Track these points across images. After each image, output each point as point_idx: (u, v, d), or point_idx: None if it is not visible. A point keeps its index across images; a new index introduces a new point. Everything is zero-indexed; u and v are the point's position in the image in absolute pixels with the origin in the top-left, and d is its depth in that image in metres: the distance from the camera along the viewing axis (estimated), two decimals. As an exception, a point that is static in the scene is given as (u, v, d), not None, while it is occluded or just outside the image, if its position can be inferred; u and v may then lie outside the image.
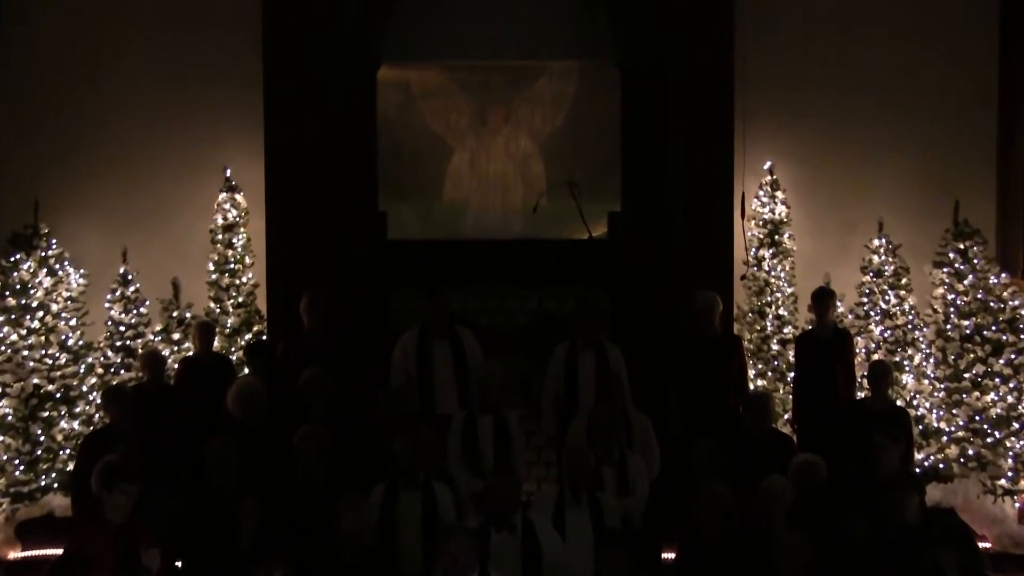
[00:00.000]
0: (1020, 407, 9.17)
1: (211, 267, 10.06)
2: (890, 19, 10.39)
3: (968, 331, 9.45)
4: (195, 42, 10.34)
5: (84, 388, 9.52)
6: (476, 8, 10.26)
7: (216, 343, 9.44)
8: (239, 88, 10.16)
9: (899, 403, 9.16)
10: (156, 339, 9.80)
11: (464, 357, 8.39)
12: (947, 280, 9.72)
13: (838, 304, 9.45)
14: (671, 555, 6.87)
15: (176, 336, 9.81)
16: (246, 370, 8.94)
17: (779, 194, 10.20)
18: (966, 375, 9.37)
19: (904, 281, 9.89)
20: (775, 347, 9.95)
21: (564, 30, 10.34)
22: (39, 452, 9.11)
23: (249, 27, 10.03)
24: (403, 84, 10.79)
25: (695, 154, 9.92)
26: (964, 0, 10.43)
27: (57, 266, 9.67)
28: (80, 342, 9.65)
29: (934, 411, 9.53)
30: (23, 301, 9.33)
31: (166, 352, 9.58)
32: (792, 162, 10.40)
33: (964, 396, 9.37)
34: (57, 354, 9.43)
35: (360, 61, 9.96)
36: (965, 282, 9.64)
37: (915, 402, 9.59)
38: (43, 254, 9.53)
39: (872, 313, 9.86)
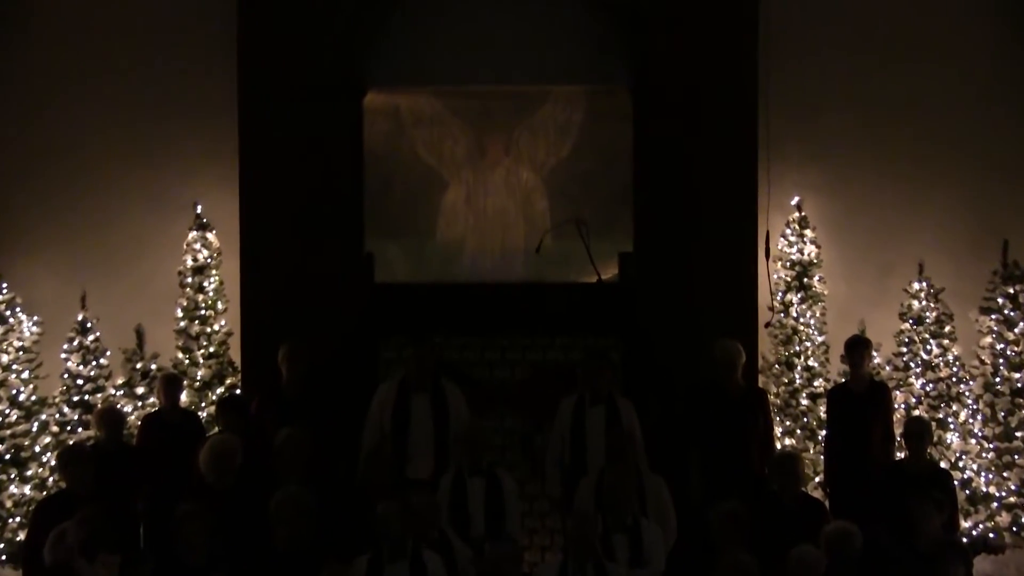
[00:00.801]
0: (1079, 470, 9.22)
1: (179, 313, 10.14)
2: (929, 42, 10.52)
3: (1020, 385, 9.50)
4: (162, 67, 10.50)
5: (37, 448, 9.56)
6: (473, 29, 10.43)
7: (184, 398, 9.49)
8: (211, 117, 10.30)
9: (942, 464, 9.19)
10: (117, 393, 9.87)
11: (446, 414, 8.33)
12: (995, 328, 9.78)
13: (874, 354, 9.51)
14: (689, 633, 6.89)
15: (139, 390, 9.89)
16: (217, 428, 8.96)
17: (808, 232, 10.31)
18: (1018, 434, 9.41)
19: (947, 329, 9.98)
20: (804, 402, 10.01)
21: (570, 52, 10.50)
22: (-14, 519, 9.15)
23: (222, 51, 10.18)
24: (392, 111, 10.92)
25: (715, 188, 10.03)
26: (1010, 22, 10.61)
27: (8, 312, 9.75)
28: (33, 397, 9.71)
29: (982, 474, 9.55)
30: (-30, 351, 9.41)
31: (128, 408, 9.65)
32: (822, 197, 10.52)
33: (1016, 457, 9.39)
34: (7, 410, 9.48)
35: (344, 86, 10.10)
36: (1016, 330, 9.70)
37: (960, 464, 9.62)
38: (-8, 299, 9.62)
39: (912, 364, 9.93)
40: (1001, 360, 9.65)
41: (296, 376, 8.92)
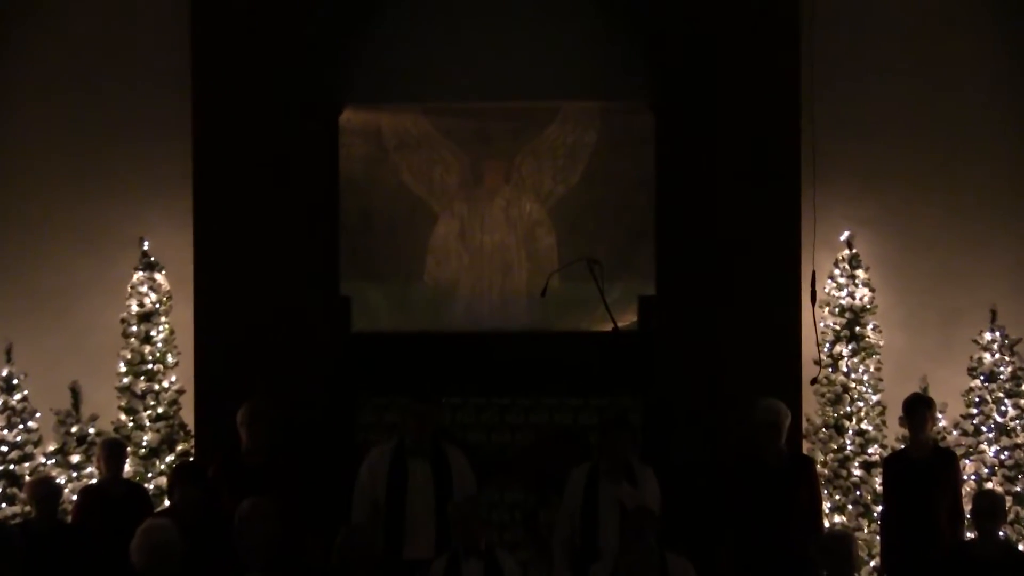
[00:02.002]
0: None
1: (122, 368, 10.18)
2: (999, 62, 10.67)
3: (1110, 453, 9.53)
4: (102, 83, 10.61)
5: (-47, 526, 9.54)
6: (469, 38, 10.59)
7: (128, 467, 9.50)
8: (159, 140, 10.43)
9: (1020, 547, 9.17)
10: (49, 463, 9.88)
11: (450, 483, 8.33)
12: (1082, 386, 9.84)
13: (939, 416, 9.55)
14: None
15: (75, 458, 9.90)
16: (167, 502, 8.97)
17: (860, 273, 10.39)
18: (1108, 511, 9.42)
19: (1025, 387, 10.06)
20: (857, 473, 10.05)
21: (581, 64, 10.63)
22: None
23: (173, 63, 10.34)
24: (373, 132, 11.01)
25: (751, 222, 10.13)
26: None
27: (-78, 367, 9.80)
28: (-51, 466, 9.74)
29: (1067, 558, 9.53)
30: None
31: (62, 479, 9.65)
32: (877, 233, 10.61)
33: (1107, 538, 9.40)
34: (-81, 482, 9.49)
35: (316, 103, 10.22)
36: (1106, 389, 9.75)
37: (1041, 546, 9.64)
38: (-98, 352, 9.66)
39: (983, 428, 9.96)
40: (1089, 424, 9.65)
41: (259, 441, 8.89)
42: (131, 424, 10.08)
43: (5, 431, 9.87)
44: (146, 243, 10.37)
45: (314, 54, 10.21)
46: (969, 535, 8.90)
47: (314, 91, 10.20)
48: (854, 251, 10.44)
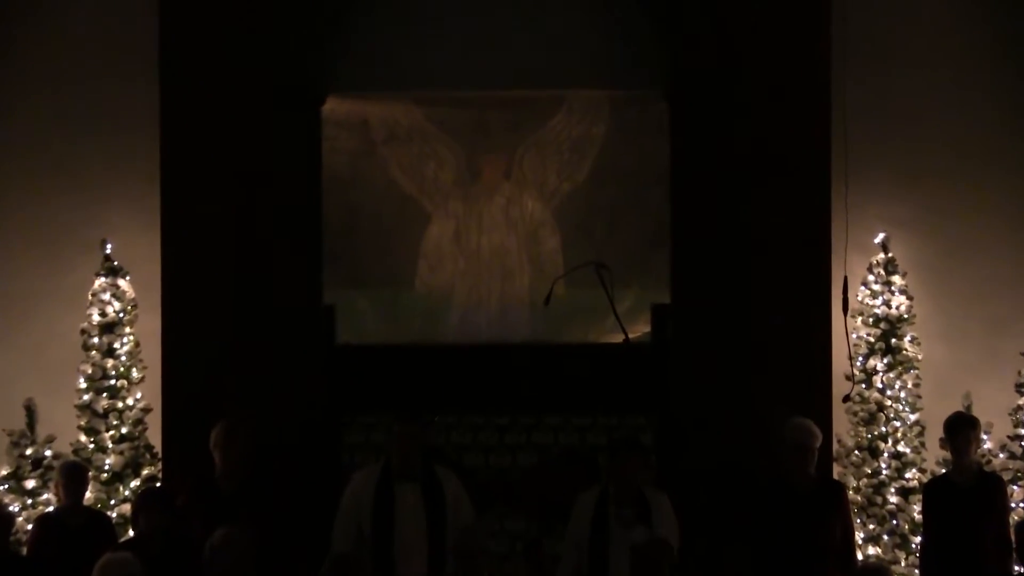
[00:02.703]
0: None
1: (82, 384, 10.17)
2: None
3: None
4: (59, 70, 10.61)
5: None
6: (464, 20, 10.64)
7: (89, 494, 9.46)
8: (124, 133, 10.46)
9: (1075, 581, 9.19)
10: (1, 488, 9.89)
11: (442, 508, 8.31)
12: None
13: (983, 437, 9.54)
14: None
15: (30, 484, 9.90)
16: (131, 532, 8.95)
17: (896, 279, 10.41)
18: None
19: (1079, 405, 10.04)
20: (893, 499, 10.05)
21: (589, 49, 10.66)
22: None
23: (137, 48, 10.37)
24: (359, 124, 11.02)
25: (776, 223, 10.17)
26: None
27: None
28: None
29: (1125, 593, 9.55)
30: None
31: (15, 507, 9.64)
32: (915, 235, 10.64)
33: None
34: None
35: (296, 92, 10.24)
36: None
37: (1097, 579, 9.64)
38: None
39: (1033, 450, 9.99)
40: None
41: (234, 464, 8.88)
42: (92, 446, 10.06)
43: (-47, 454, 9.89)
44: (109, 246, 10.35)
45: (293, 38, 10.24)
46: (1018, 568, 8.90)
47: (294, 79, 10.22)
48: (890, 255, 10.45)
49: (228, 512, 8.37)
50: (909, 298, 10.40)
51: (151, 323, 10.29)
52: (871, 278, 10.42)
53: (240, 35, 10.15)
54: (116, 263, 10.35)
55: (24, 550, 9.12)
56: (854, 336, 10.32)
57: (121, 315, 10.27)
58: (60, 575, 8.53)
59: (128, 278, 10.37)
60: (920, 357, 10.35)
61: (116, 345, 10.23)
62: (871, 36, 10.51)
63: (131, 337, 10.30)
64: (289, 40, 10.22)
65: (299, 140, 10.31)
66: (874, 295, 10.39)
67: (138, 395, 10.27)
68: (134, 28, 10.41)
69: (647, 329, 10.58)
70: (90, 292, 10.31)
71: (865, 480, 10.15)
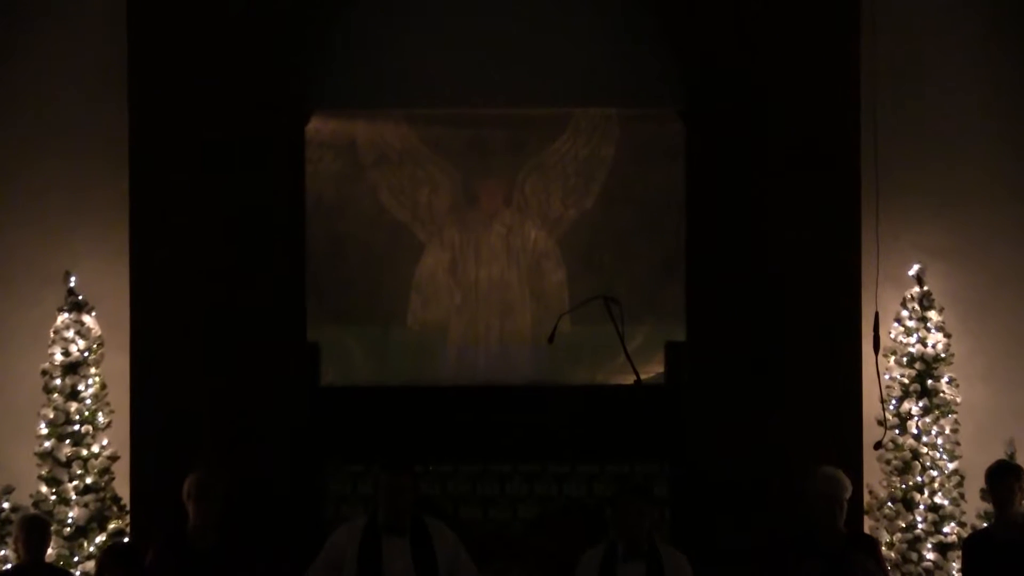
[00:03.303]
0: None
1: (43, 430, 10.14)
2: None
3: None
4: (18, 86, 10.61)
5: None
6: (461, 32, 10.64)
7: (51, 549, 9.34)
8: (89, 156, 10.46)
9: None
10: (-46, 543, 9.88)
11: (434, 567, 8.28)
12: None
13: (1029, 488, 9.59)
14: None
15: (-13, 538, 9.89)
16: (96, 591, 8.95)
17: (933, 315, 10.39)
18: None
19: None
20: (930, 556, 10.02)
21: (597, 64, 10.68)
22: None
23: (104, 62, 10.38)
24: (346, 145, 11.04)
25: (802, 253, 10.18)
26: None
27: None
28: None
29: None
30: None
31: (-30, 564, 9.66)
32: (952, 266, 10.64)
33: None
34: None
35: (278, 109, 10.22)
36: None
37: None
38: None
39: (1084, 502, 9.96)
40: None
41: (208, 518, 8.83)
42: (54, 497, 10.04)
43: (-97, 505, 9.87)
44: (73, 279, 10.34)
45: (274, 51, 10.24)
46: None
47: (274, 96, 10.22)
48: (925, 288, 10.45)
49: (201, 570, 8.40)
50: (946, 335, 10.38)
51: (118, 363, 10.27)
52: (905, 313, 10.41)
53: (215, 49, 10.16)
54: (80, 297, 10.33)
55: (-20, 612, 9.12)
56: (886, 377, 10.31)
57: (86, 354, 10.24)
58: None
59: (94, 314, 10.35)
60: (959, 400, 10.33)
61: (80, 387, 10.20)
62: (903, 53, 10.55)
63: (97, 378, 10.27)
64: (269, 54, 10.22)
65: (280, 163, 10.29)
66: (908, 332, 10.37)
67: (104, 442, 10.23)
68: (100, 45, 10.44)
69: (660, 369, 10.61)
70: (52, 329, 10.28)
71: (899, 535, 10.13)
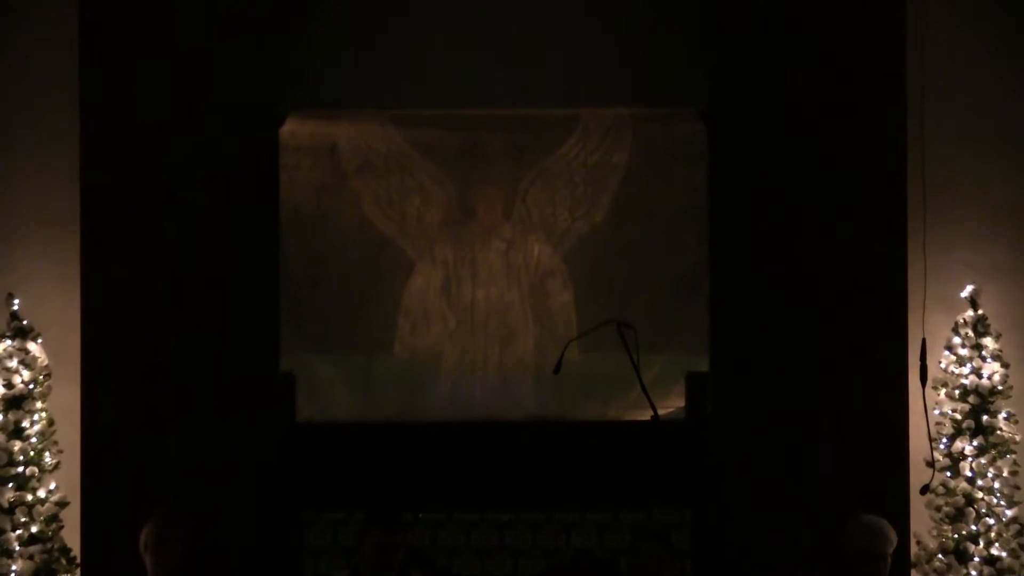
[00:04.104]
0: None
1: (-17, 472, 10.15)
2: None
3: None
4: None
5: None
6: (456, 24, 10.66)
7: (-9, 609, 9.50)
8: (35, 164, 10.42)
9: None
10: None
11: None
12: None
13: (1099, 539, 9.49)
14: None
15: (-81, 597, 9.86)
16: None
17: (988, 342, 10.31)
18: None
19: None
20: (987, 616, 9.99)
21: (608, 59, 10.70)
22: None
23: (53, 60, 10.36)
24: (326, 150, 11.07)
25: (840, 273, 10.16)
26: None
27: None
28: None
29: None
30: None
31: (-99, 624, 9.63)
32: (1010, 287, 10.58)
33: None
34: None
35: (248, 110, 10.23)
36: None
37: None
38: None
39: None
40: None
41: (169, 571, 8.84)
42: (-6, 549, 10.02)
43: None
44: (16, 302, 10.29)
45: (244, 43, 10.25)
46: None
47: (244, 94, 10.24)
48: (980, 312, 10.37)
49: (161, 633, 8.38)
50: (1004, 365, 10.31)
51: (68, 397, 10.23)
52: (957, 340, 10.35)
53: (176, 44, 10.17)
54: (25, 322, 10.28)
55: None
56: (936, 412, 10.26)
57: (31, 386, 10.19)
58: None
59: (40, 341, 10.30)
60: (1018, 438, 10.26)
61: (25, 424, 10.13)
62: (955, 46, 10.50)
63: (43, 414, 10.21)
64: (238, 47, 10.23)
65: (251, 171, 10.30)
66: (961, 361, 10.30)
67: (52, 486, 10.17)
68: (46, 44, 10.42)
69: (681, 403, 10.64)
70: (-8, 358, 10.31)
71: (952, 591, 10.10)
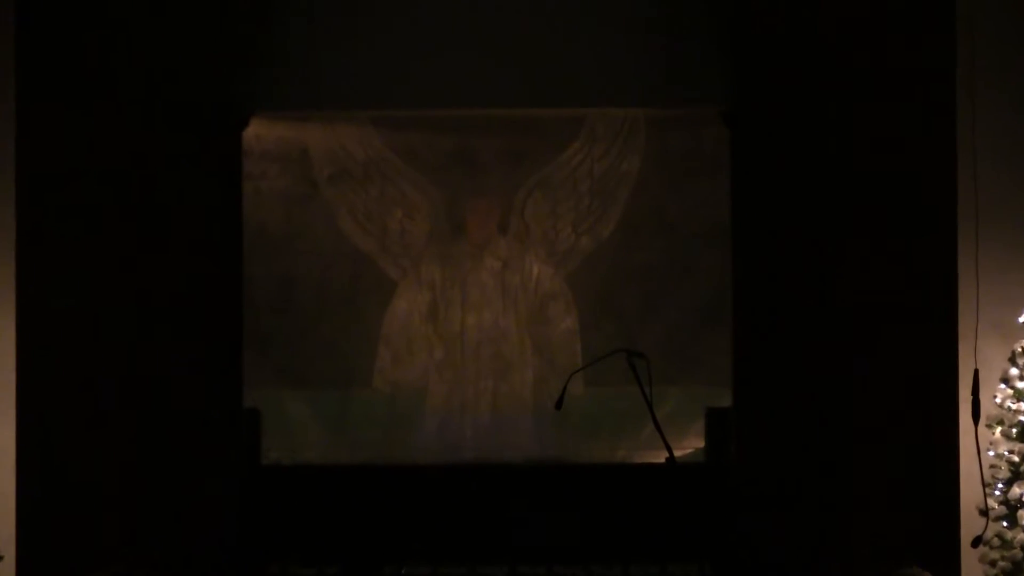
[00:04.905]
0: None
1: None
2: None
3: None
4: None
5: None
6: (446, 15, 10.59)
7: None
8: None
9: None
10: None
11: None
12: None
13: None
14: None
15: None
16: None
17: (1050, 374, 10.34)
18: None
19: None
20: None
21: (617, 54, 10.64)
22: None
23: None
24: (296, 155, 11.08)
25: (881, 296, 10.13)
26: None
27: None
28: None
29: None
30: None
31: None
32: (1075, 309, 10.58)
33: None
34: None
35: (207, 110, 10.18)
36: None
37: None
38: None
39: None
40: None
41: (116, 636, 8.92)
42: (-82, 610, 9.94)
43: None
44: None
45: (202, 34, 10.21)
46: None
47: (203, 93, 10.21)
48: (1040, 340, 10.38)
49: None
50: (1066, 402, 10.33)
51: (1, 436, 10.14)
52: (1014, 372, 10.22)
53: (124, 38, 10.17)
54: (-47, 352, 10.32)
55: None
56: (990, 454, 10.15)
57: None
58: None
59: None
60: (1082, 485, 10.24)
61: (-47, 467, 10.14)
62: (1008, 51, 10.45)
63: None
64: (196, 38, 10.21)
65: (210, 180, 10.27)
66: (1018, 396, 10.19)
67: (-16, 545, 10.20)
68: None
69: (700, 443, 10.65)
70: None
71: (1008, 656, 10.06)
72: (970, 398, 9.86)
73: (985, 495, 10.04)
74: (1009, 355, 10.21)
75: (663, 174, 11.04)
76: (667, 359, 10.42)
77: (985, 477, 10.03)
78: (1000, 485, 10.08)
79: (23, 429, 10.11)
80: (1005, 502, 10.07)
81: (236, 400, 10.33)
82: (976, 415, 9.87)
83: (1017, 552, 9.99)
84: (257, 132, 10.74)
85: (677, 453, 9.36)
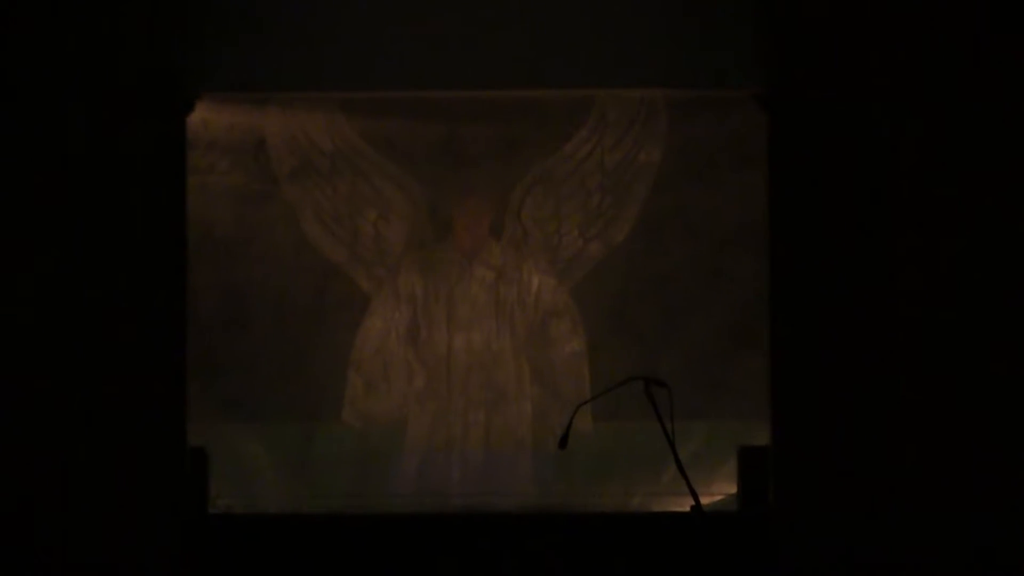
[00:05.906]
0: None
1: None
2: None
3: None
4: None
5: None
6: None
7: None
8: None
9: None
10: None
11: None
12: None
13: None
14: None
15: None
16: None
17: None
18: None
19: None
20: None
21: (631, 28, 10.58)
22: None
23: None
24: (251, 145, 10.94)
25: (944, 312, 10.05)
26: None
27: None
28: None
29: None
30: None
31: None
32: None
33: None
34: None
35: (143, 89, 10.12)
36: None
37: None
38: None
39: None
40: None
41: None
42: None
43: None
44: None
45: (138, 2, 10.16)
46: None
47: (140, 71, 10.15)
48: None
49: None
50: None
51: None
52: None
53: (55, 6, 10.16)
54: None
55: None
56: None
57: None
58: None
59: None
60: None
61: None
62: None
63: None
64: (130, 9, 10.16)
65: (148, 174, 10.20)
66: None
67: None
68: None
69: (732, 488, 10.51)
70: None
71: None
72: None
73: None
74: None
75: (687, 167, 10.91)
76: (692, 388, 10.34)
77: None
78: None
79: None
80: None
81: (179, 437, 10.26)
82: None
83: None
84: (204, 117, 10.64)
85: (704, 500, 9.17)
